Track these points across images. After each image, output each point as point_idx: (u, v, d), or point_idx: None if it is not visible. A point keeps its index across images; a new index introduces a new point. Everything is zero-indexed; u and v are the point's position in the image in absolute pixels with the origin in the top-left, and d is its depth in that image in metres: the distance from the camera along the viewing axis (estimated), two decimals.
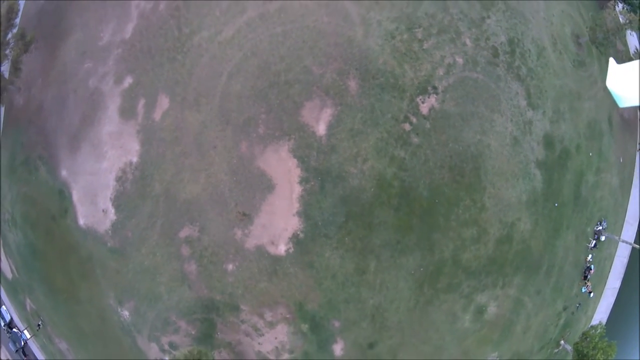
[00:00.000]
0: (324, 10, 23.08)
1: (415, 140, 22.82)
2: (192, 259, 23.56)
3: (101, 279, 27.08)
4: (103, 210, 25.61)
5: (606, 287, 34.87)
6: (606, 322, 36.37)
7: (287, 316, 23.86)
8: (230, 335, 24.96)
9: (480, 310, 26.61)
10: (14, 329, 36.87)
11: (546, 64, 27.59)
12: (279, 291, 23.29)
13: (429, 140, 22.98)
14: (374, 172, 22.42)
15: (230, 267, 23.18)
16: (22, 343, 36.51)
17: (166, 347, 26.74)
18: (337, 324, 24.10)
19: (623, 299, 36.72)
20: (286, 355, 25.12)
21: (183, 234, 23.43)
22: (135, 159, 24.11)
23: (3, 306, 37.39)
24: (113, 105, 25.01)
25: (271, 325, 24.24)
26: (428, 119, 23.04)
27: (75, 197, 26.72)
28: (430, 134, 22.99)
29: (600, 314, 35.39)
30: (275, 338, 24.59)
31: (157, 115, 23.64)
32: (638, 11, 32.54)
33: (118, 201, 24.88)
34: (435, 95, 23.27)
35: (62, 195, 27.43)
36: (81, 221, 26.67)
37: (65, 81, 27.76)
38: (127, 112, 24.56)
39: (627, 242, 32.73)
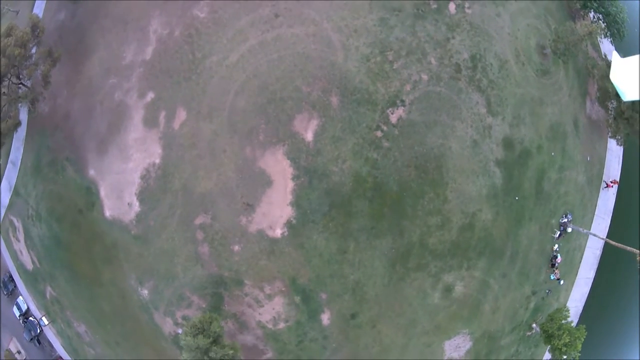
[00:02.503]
0: (312, 39, 35.23)
1: (386, 144, 34.83)
2: (205, 242, 35.76)
3: (124, 263, 39.39)
4: (128, 204, 37.91)
5: (578, 276, 46.67)
6: (583, 310, 48.33)
7: (283, 289, 35.96)
8: (236, 307, 37.11)
9: (448, 289, 38.50)
10: (30, 318, 49.46)
11: (507, 75, 39.42)
12: (276, 268, 35.40)
13: (397, 144, 34.98)
14: (351, 170, 34.47)
15: (236, 248, 35.34)
16: (38, 331, 49.10)
17: (180, 320, 38.97)
18: (324, 296, 36.16)
19: (600, 289, 48.46)
20: (282, 324, 37.23)
21: (198, 221, 35.64)
22: (157, 161, 36.39)
23: (20, 297, 50.04)
24: (137, 116, 37.33)
25: (269, 297, 36.35)
26: (396, 127, 35.05)
27: (103, 193, 39.08)
28: (398, 139, 34.99)
29: (575, 301, 47.21)
30: (273, 309, 36.70)
31: (176, 125, 35.91)
32: (602, 21, 44.51)
33: (142, 195, 37.17)
34: (403, 107, 35.28)
35: (90, 191, 39.80)
36: (107, 213, 39.00)
37: (92, 94, 40.19)
38: (150, 122, 36.86)
39: (594, 235, 44.35)
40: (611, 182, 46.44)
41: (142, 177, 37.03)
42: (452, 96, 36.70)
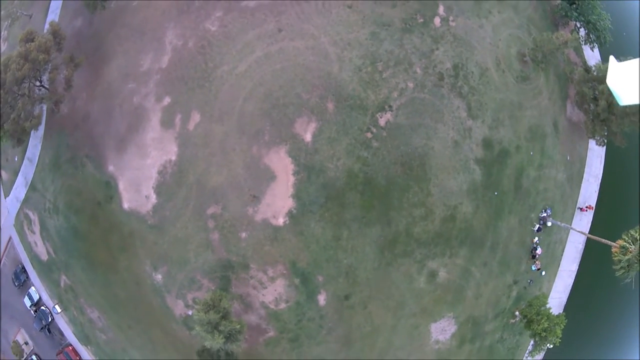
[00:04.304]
0: (310, 52, 47.51)
1: (375, 144, 46.98)
2: (215, 230, 47.86)
3: (140, 250, 51.48)
4: (146, 196, 50.03)
5: (560, 268, 58.69)
6: (567, 302, 60.29)
7: (284, 272, 48.00)
8: (242, 289, 49.14)
9: (433, 274, 50.49)
10: (42, 307, 61.49)
11: (488, 82, 51.63)
12: (278, 253, 47.47)
13: (385, 145, 47.13)
14: (345, 167, 46.62)
15: (243, 235, 47.43)
16: (49, 319, 61.13)
17: (190, 302, 50.96)
18: (320, 278, 48.19)
19: (584, 283, 60.39)
20: (283, 305, 49.20)
21: (210, 211, 47.78)
22: (173, 158, 48.57)
23: (32, 287, 62.15)
24: (155, 118, 49.55)
25: (272, 280, 48.39)
26: (385, 129, 47.21)
27: (121, 186, 51.24)
28: (386, 140, 47.14)
29: (559, 292, 59.24)
30: (275, 290, 48.73)
31: (191, 126, 48.13)
32: (583, 28, 56.71)
33: (159, 189, 49.30)
34: (390, 112, 47.44)
35: (109, 185, 51.98)
36: (125, 205, 51.13)
37: (111, 97, 52.48)
38: (166, 123, 49.08)
39: (572, 228, 56.34)
40: (586, 207, 58.48)
41: (159, 173, 49.20)
42: (435, 102, 48.88)
